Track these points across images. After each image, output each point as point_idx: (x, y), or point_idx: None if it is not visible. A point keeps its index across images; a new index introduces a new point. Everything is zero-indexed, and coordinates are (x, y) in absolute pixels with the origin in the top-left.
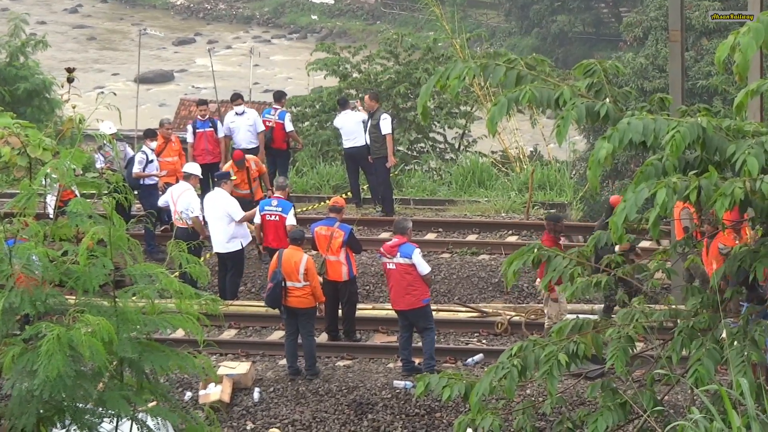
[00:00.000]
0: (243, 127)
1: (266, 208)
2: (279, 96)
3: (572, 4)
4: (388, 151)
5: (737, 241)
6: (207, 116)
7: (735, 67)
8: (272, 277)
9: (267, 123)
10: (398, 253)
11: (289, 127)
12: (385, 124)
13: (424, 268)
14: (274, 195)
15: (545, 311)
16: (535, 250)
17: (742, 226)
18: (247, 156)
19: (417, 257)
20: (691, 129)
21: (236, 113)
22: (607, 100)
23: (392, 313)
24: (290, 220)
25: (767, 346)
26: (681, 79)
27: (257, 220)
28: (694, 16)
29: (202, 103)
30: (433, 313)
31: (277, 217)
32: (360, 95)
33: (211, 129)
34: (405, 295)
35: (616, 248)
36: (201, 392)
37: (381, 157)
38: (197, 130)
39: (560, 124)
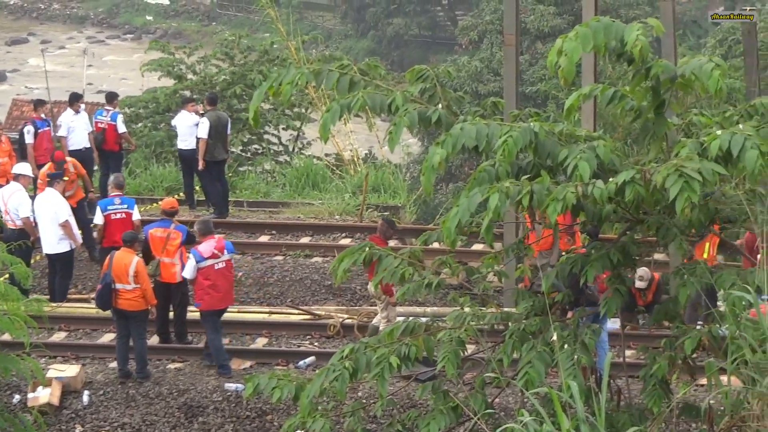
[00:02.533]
0: (81, 128)
1: (109, 207)
2: (111, 97)
3: (408, 8)
4: (200, 155)
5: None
6: (44, 116)
7: (560, 71)
8: (102, 279)
9: (99, 124)
10: (225, 251)
11: (121, 128)
12: (202, 128)
13: None
14: (114, 194)
15: (380, 314)
16: (367, 248)
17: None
18: (67, 158)
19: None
20: (523, 134)
21: (75, 113)
22: (440, 105)
23: (226, 316)
24: (136, 216)
25: (597, 350)
26: (515, 83)
27: (100, 220)
28: (529, 21)
29: (42, 103)
30: (266, 315)
31: (124, 215)
32: (196, 97)
33: (49, 129)
34: (231, 291)
35: None
36: (30, 395)
37: (213, 161)
38: (38, 131)
39: (392, 130)
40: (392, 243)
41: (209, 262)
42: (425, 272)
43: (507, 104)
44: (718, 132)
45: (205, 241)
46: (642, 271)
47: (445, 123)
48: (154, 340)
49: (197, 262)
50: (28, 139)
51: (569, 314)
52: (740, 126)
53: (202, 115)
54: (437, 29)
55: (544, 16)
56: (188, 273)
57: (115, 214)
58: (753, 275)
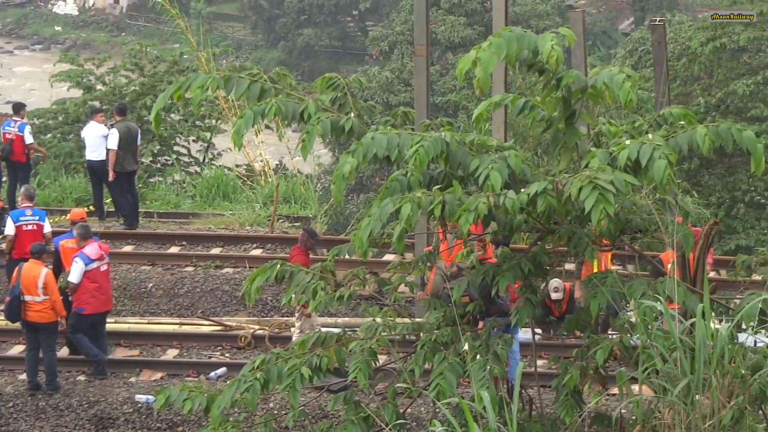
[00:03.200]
0: None
1: (21, 218)
2: (18, 108)
3: (319, 18)
4: (110, 166)
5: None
6: None
7: (476, 81)
8: (11, 291)
9: (7, 135)
10: (107, 255)
11: (28, 139)
12: (112, 139)
13: None
14: (25, 205)
15: (296, 324)
16: (278, 266)
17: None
18: None
19: None
20: (434, 143)
21: None
22: (352, 114)
23: (135, 326)
24: (47, 228)
25: (509, 360)
26: (426, 94)
27: (11, 231)
28: (440, 31)
29: None
30: (177, 326)
31: (35, 226)
32: (105, 107)
33: None
34: (111, 294)
35: None
36: None
37: (123, 172)
38: None
39: (305, 138)
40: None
41: (96, 264)
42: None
43: (418, 114)
44: (627, 142)
45: (88, 245)
46: (557, 282)
47: (357, 132)
48: (64, 352)
49: (86, 264)
50: None
51: (481, 324)
52: (649, 136)
53: (111, 126)
54: (348, 40)
55: (455, 27)
56: (74, 277)
57: (27, 225)
58: (663, 285)
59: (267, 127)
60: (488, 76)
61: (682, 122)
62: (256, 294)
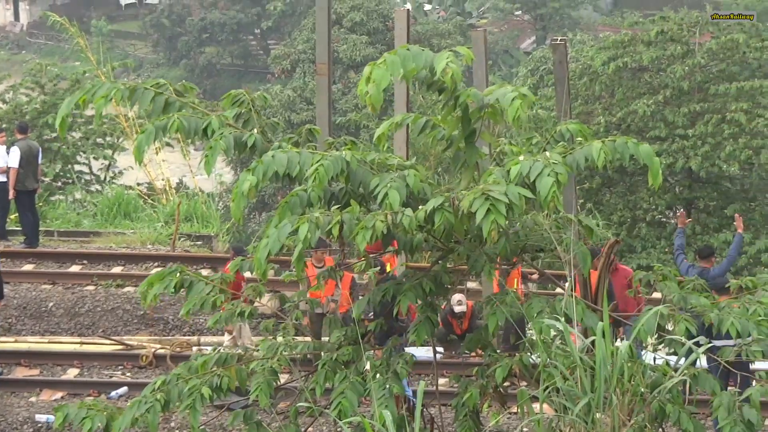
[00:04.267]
0: None
1: None
2: None
3: (221, 36)
4: (10, 184)
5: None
6: None
7: (368, 98)
8: None
9: None
10: None
11: None
12: (13, 157)
13: None
14: None
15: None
16: (178, 273)
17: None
18: None
19: None
20: (335, 162)
21: None
22: (255, 130)
23: (35, 346)
24: None
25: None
26: (328, 112)
27: None
28: (342, 50)
29: None
30: (78, 346)
31: None
32: (5, 126)
33: None
34: None
35: None
36: None
37: (23, 190)
38: None
39: (208, 154)
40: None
41: None
42: (238, 301)
43: (320, 133)
44: (521, 158)
45: None
46: (459, 296)
47: (260, 148)
48: None
49: None
50: None
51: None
52: (547, 153)
53: (12, 144)
54: (250, 58)
55: (357, 46)
56: None
57: None
58: (561, 303)
59: (168, 144)
60: (381, 92)
61: (579, 138)
62: (153, 301)
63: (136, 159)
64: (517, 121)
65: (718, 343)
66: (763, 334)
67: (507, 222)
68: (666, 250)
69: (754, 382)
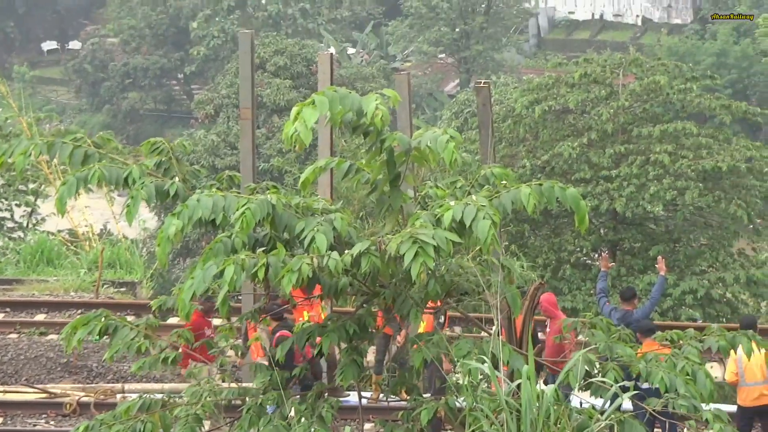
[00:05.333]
0: None
1: None
2: None
3: (144, 81)
4: None
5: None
6: None
7: (296, 136)
8: None
9: None
10: None
11: None
12: None
13: None
14: None
15: None
16: (102, 318)
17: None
18: None
19: None
20: (260, 206)
21: None
22: (176, 178)
23: None
24: None
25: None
26: (252, 157)
27: None
28: (265, 94)
29: None
30: (1, 394)
31: None
32: None
33: None
34: None
35: None
36: None
37: None
38: None
39: (129, 203)
40: None
41: None
42: (161, 344)
43: (244, 178)
44: (452, 203)
45: None
46: None
47: (182, 196)
48: None
49: None
50: None
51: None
52: (473, 197)
53: None
54: (173, 103)
55: (281, 90)
56: None
57: None
58: (488, 345)
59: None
60: (309, 130)
61: (504, 182)
62: (77, 347)
63: (59, 211)
64: (454, 164)
65: (644, 387)
66: (689, 392)
67: (434, 265)
68: (591, 292)
69: (684, 430)
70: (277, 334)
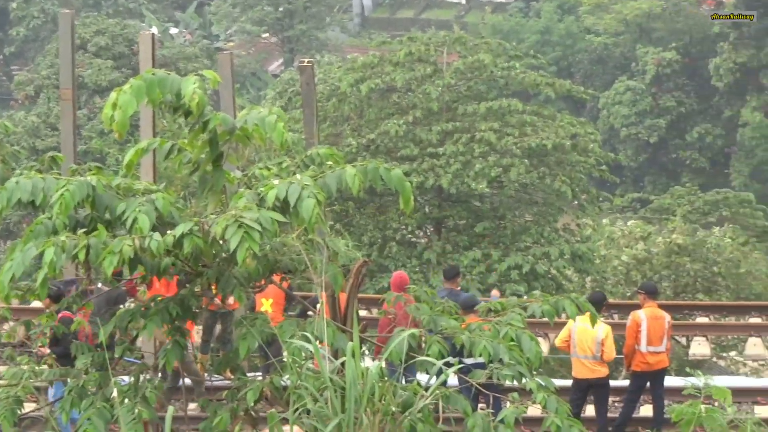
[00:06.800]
0: None
1: None
2: None
3: None
4: None
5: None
6: None
7: (115, 124)
8: None
9: None
10: None
11: None
12: None
13: None
14: None
15: None
16: None
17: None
18: None
19: None
20: (80, 187)
21: None
22: None
23: None
24: None
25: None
26: (73, 138)
27: None
28: (86, 75)
29: None
30: None
31: None
32: None
33: None
34: None
35: None
36: None
37: None
38: None
39: None
40: None
41: None
42: None
43: (65, 159)
44: (275, 182)
45: None
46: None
47: (2, 177)
48: None
49: None
50: None
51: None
52: (297, 176)
53: None
54: None
55: (102, 70)
56: None
57: None
58: (312, 325)
59: None
60: (127, 119)
61: (330, 162)
62: None
63: None
64: (285, 143)
65: (469, 362)
66: (513, 359)
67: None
68: (417, 269)
69: (508, 403)
70: (60, 315)
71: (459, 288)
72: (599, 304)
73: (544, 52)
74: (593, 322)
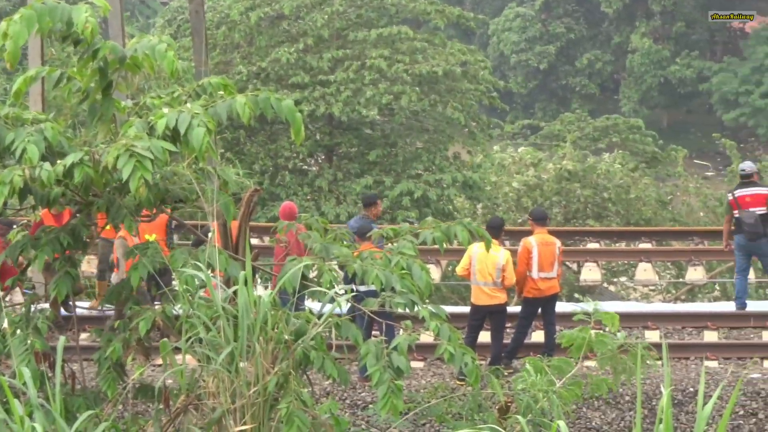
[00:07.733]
0: None
1: None
2: None
3: None
4: None
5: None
6: None
7: (6, 54)
8: None
9: None
10: None
11: None
12: None
13: None
14: None
15: None
16: None
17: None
18: None
19: None
20: None
21: None
22: None
23: None
24: None
25: None
26: None
27: None
28: None
29: None
30: None
31: None
32: None
33: None
34: None
35: None
36: None
37: None
38: None
39: None
40: None
41: None
42: None
43: None
44: (166, 111)
45: None
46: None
47: None
48: None
49: None
50: None
51: None
52: (188, 105)
53: None
54: None
55: None
56: None
57: None
58: (204, 254)
59: None
60: (18, 49)
61: (221, 92)
62: None
63: None
64: (175, 72)
65: (362, 290)
66: (405, 287)
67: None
68: (308, 197)
69: (401, 331)
70: None
71: (376, 215)
72: (498, 229)
73: None
74: (488, 247)
